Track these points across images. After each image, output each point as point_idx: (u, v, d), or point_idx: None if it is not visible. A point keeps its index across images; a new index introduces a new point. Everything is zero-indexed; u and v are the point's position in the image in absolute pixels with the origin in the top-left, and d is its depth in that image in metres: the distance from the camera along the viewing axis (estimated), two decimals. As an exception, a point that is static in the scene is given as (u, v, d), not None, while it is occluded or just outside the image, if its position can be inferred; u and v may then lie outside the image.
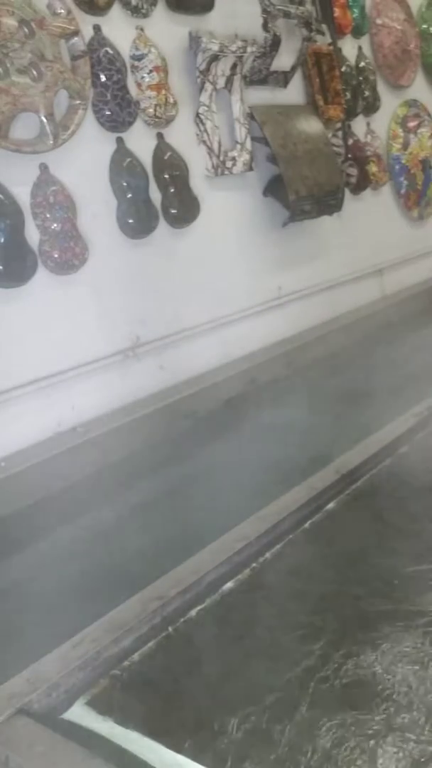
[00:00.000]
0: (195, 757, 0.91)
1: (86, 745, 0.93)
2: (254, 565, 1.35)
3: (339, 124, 3.15)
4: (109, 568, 1.64)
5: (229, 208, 2.69)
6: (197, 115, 2.49)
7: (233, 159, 2.61)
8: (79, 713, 1.02)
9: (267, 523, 1.44)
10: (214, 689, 1.05)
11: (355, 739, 0.91)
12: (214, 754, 0.91)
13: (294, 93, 2.95)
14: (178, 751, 0.92)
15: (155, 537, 1.78)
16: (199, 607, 1.24)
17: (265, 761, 0.89)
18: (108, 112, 2.20)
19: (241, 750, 0.92)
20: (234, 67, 2.54)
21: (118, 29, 2.23)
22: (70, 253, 2.11)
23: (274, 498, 1.56)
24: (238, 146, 2.62)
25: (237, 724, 0.97)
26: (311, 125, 2.89)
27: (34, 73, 1.94)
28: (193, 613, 1.23)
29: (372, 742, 0.90)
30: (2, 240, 1.94)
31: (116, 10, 2.23)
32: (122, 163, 2.25)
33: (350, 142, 3.23)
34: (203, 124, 2.50)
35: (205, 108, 2.49)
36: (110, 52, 2.18)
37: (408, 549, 1.35)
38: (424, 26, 3.71)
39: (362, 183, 3.31)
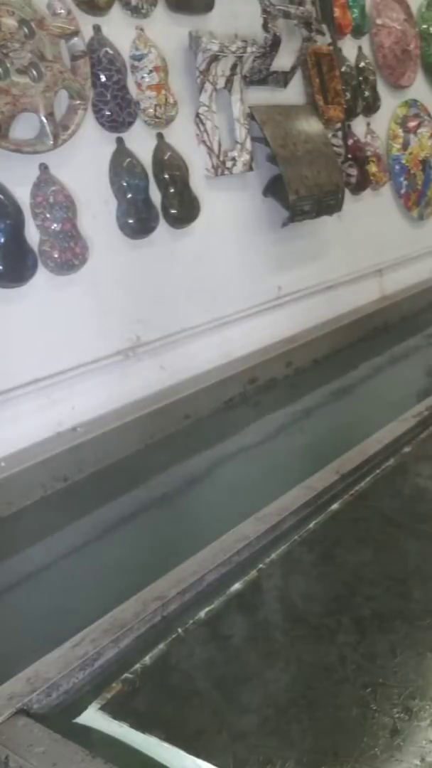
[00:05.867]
0: (216, 761, 0.90)
1: (103, 751, 0.92)
2: (261, 566, 1.34)
3: (339, 124, 3.15)
4: (110, 567, 1.65)
5: (229, 208, 2.69)
6: (197, 115, 2.49)
7: (233, 159, 2.61)
8: (94, 718, 1.01)
9: (267, 524, 1.44)
10: (230, 692, 1.04)
11: (377, 741, 0.91)
12: (235, 758, 0.91)
13: (294, 93, 2.95)
14: (198, 755, 0.92)
15: (156, 537, 1.78)
16: (207, 608, 1.23)
17: (286, 764, 0.89)
18: (108, 112, 2.19)
19: (262, 752, 0.91)
20: (234, 67, 2.54)
21: (118, 29, 2.23)
22: (70, 253, 2.11)
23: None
24: (238, 146, 2.62)
25: (256, 726, 0.96)
26: (311, 125, 2.89)
27: (34, 73, 1.93)
28: (202, 614, 1.22)
29: (395, 742, 0.90)
30: (2, 240, 1.94)
31: (116, 10, 2.23)
32: (122, 163, 2.25)
33: (350, 142, 3.23)
34: (203, 124, 2.49)
35: (205, 108, 2.49)
36: (110, 52, 2.18)
37: (419, 549, 1.34)
38: (424, 26, 3.71)
39: (362, 183, 3.31)
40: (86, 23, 2.13)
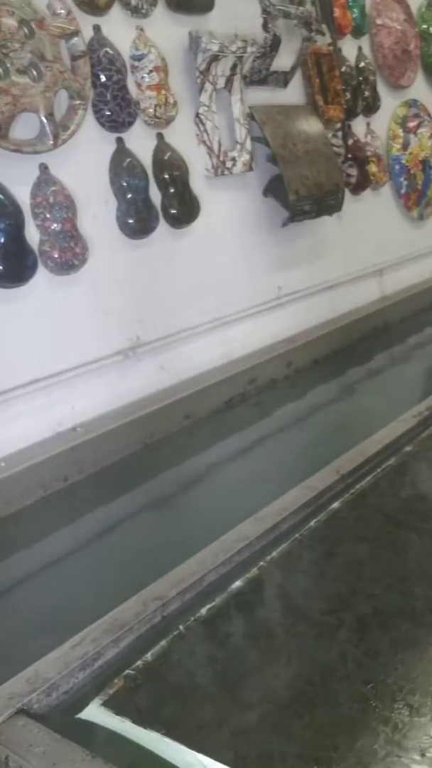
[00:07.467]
0: (217, 756, 0.91)
1: (105, 746, 0.92)
2: (262, 563, 1.34)
3: (339, 125, 3.15)
4: (111, 567, 1.65)
5: (229, 208, 2.69)
6: (197, 115, 2.49)
7: (233, 159, 2.61)
8: (96, 714, 1.02)
9: (267, 524, 1.44)
10: (232, 688, 1.04)
11: (378, 736, 0.91)
12: (236, 753, 0.91)
13: (294, 93, 2.95)
14: (199, 750, 0.92)
15: (156, 537, 1.78)
16: (209, 605, 1.23)
17: (287, 759, 0.89)
18: (108, 112, 2.19)
19: (263, 748, 0.91)
20: (234, 67, 2.54)
21: (118, 29, 2.23)
22: (70, 254, 2.11)
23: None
24: (238, 146, 2.62)
25: (257, 722, 0.96)
26: (311, 125, 2.89)
27: (34, 73, 1.94)
28: (203, 611, 1.22)
29: (395, 738, 0.90)
30: (2, 240, 1.94)
31: (116, 10, 2.23)
32: (122, 164, 2.25)
33: (350, 142, 3.23)
34: (203, 124, 2.49)
35: (205, 108, 2.49)
36: (110, 52, 2.18)
37: (420, 547, 1.34)
38: (424, 26, 3.71)
39: (362, 183, 3.31)
40: (86, 23, 2.13)
